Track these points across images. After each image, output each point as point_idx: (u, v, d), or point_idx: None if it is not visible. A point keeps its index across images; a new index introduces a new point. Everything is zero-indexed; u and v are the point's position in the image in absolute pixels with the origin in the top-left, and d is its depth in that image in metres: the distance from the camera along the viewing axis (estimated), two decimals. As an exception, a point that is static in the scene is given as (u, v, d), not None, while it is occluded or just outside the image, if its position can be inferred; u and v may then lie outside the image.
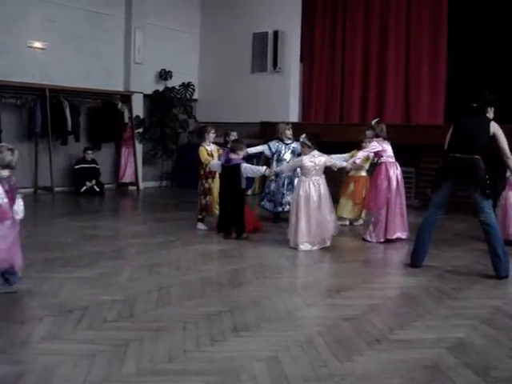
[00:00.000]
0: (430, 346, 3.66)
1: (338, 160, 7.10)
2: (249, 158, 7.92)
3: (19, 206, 4.45)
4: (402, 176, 7.10)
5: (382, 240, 6.90)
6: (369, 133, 7.28)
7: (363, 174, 7.98)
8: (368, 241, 6.96)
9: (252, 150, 7.99)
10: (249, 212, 7.24)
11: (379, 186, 6.92)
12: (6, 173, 4.37)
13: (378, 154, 7.03)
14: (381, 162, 7.00)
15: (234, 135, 8.10)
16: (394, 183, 6.91)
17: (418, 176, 10.21)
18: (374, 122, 7.29)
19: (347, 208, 8.03)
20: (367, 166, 7.82)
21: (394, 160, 7.03)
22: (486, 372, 3.28)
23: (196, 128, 10.93)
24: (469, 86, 9.97)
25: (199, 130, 8.03)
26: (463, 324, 4.10)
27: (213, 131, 7.70)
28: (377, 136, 7.05)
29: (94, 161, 10.99)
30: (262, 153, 8.40)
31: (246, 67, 12.35)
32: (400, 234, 6.97)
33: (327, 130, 10.32)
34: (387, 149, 7.01)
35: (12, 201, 4.40)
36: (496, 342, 3.77)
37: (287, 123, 8.51)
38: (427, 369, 3.30)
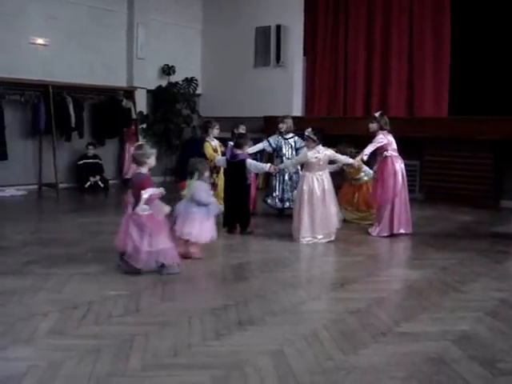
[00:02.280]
0: (435, 338, 3.66)
1: (343, 158, 7.01)
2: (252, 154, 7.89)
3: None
4: (406, 170, 7.02)
5: (387, 234, 6.87)
6: (373, 126, 6.99)
7: (365, 178, 7.75)
8: (372, 235, 6.94)
9: (251, 149, 7.56)
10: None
11: (386, 179, 6.82)
12: None
13: (383, 148, 6.86)
14: (386, 156, 6.87)
15: (242, 128, 8.06)
16: (399, 177, 6.82)
17: (423, 169, 10.18)
18: (377, 114, 7.07)
19: (348, 214, 7.64)
20: (363, 174, 7.72)
21: (397, 154, 6.93)
22: (491, 364, 3.27)
23: (201, 122, 10.88)
24: (472, 79, 9.97)
25: (204, 124, 8.00)
26: (468, 316, 4.09)
27: (217, 126, 7.69)
28: (381, 129, 6.92)
29: (96, 156, 11.00)
30: (263, 149, 8.32)
31: (249, 62, 12.33)
32: (403, 230, 6.93)
33: (330, 123, 10.29)
34: (392, 141, 6.90)
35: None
36: (501, 334, 3.77)
37: (283, 117, 8.24)
38: (432, 361, 3.30)
